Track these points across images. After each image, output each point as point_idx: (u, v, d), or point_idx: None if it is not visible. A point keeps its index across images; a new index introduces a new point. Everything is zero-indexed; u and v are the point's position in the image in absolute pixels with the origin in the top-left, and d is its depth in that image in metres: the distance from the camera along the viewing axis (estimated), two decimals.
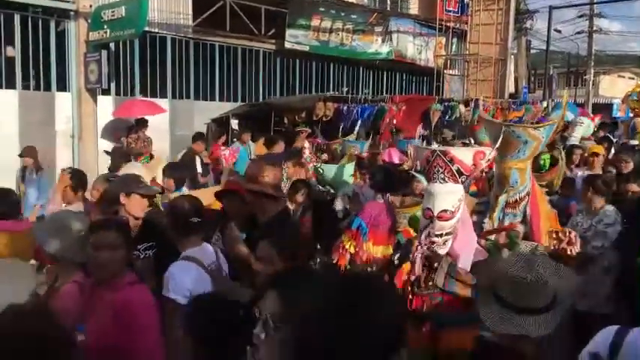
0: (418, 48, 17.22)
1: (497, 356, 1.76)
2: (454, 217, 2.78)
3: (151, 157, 8.87)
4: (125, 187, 3.42)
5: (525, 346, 1.79)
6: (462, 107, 14.56)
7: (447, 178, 2.76)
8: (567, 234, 3.08)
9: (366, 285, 1.25)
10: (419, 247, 2.81)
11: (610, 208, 4.58)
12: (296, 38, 13.96)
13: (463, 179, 2.80)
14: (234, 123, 11.90)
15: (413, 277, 2.83)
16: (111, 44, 10.47)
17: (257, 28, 13.22)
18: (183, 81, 12.24)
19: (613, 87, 35.29)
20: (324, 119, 11.50)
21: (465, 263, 2.83)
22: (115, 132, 10.90)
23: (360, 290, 1.19)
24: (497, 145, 3.02)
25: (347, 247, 3.17)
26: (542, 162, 7.08)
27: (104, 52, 9.94)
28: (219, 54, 12.85)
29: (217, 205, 4.11)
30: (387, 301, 1.19)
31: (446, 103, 13.28)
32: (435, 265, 2.87)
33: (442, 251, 2.80)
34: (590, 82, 30.69)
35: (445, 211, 2.74)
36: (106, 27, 9.76)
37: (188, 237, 2.98)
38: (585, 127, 9.39)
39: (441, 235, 2.78)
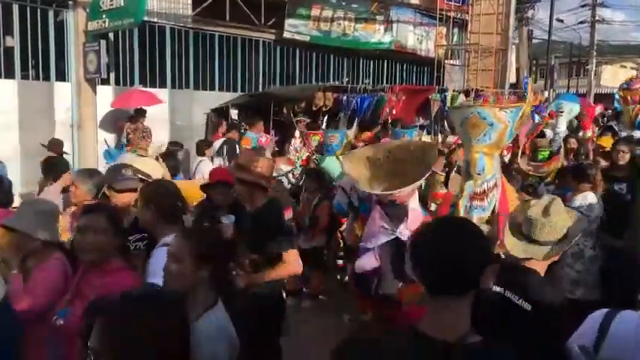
0: (419, 38, 17.14)
1: (513, 270, 2.36)
2: None
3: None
4: (109, 179, 3.47)
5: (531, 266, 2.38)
6: (462, 97, 14.56)
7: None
8: None
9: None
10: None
11: (590, 194, 4.66)
12: (296, 28, 13.91)
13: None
14: (234, 113, 11.92)
15: None
16: (110, 34, 10.45)
17: (257, 18, 13.17)
18: (182, 71, 12.22)
19: (615, 77, 35.02)
20: (323, 109, 11.49)
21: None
22: (114, 122, 10.92)
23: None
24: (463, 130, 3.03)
25: (357, 232, 3.28)
26: (541, 157, 7.11)
27: (103, 42, 9.91)
28: (218, 44, 12.82)
29: (196, 197, 4.12)
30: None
31: (445, 93, 13.24)
32: None
33: None
34: (592, 73, 30.54)
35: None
36: (104, 17, 9.72)
37: (173, 222, 2.85)
38: (566, 114, 9.35)
39: None
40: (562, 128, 9.13)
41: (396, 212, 3.32)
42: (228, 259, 2.27)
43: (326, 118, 8.40)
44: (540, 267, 2.36)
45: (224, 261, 2.24)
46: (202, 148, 8.42)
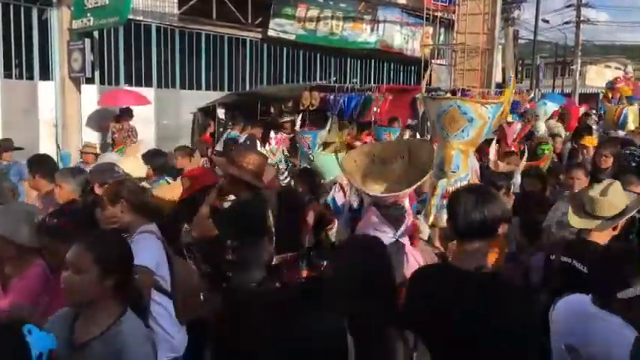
0: (405, 37, 17.18)
1: (578, 244, 2.85)
2: None
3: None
4: (100, 177, 3.40)
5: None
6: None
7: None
8: None
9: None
10: None
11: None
12: (281, 27, 13.88)
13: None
14: (221, 112, 11.85)
15: None
16: (95, 32, 10.34)
17: (243, 17, 13.12)
18: (168, 70, 12.14)
19: (600, 77, 35.41)
20: (310, 108, 11.47)
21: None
22: (99, 121, 10.82)
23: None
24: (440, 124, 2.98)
25: None
26: (539, 152, 7.14)
27: (87, 41, 9.81)
28: (205, 43, 12.75)
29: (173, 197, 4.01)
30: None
31: (432, 93, 13.29)
32: None
33: None
34: (577, 73, 30.82)
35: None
36: (89, 15, 9.63)
37: (145, 214, 2.92)
38: (542, 116, 9.49)
39: None
40: (541, 131, 9.25)
41: (395, 214, 3.21)
42: (132, 266, 2.14)
43: (300, 117, 8.25)
44: (602, 240, 2.76)
45: (130, 270, 2.13)
46: (204, 148, 8.31)
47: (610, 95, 14.22)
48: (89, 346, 1.97)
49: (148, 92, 11.44)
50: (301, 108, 11.55)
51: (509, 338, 1.84)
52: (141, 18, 11.36)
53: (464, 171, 3.05)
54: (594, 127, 10.01)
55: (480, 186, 2.70)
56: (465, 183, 3.04)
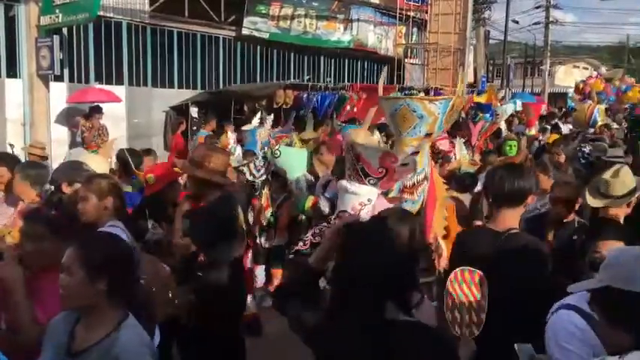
0: (379, 37, 17.29)
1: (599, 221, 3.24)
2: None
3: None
4: (68, 176, 3.33)
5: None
6: (422, 95, 14.75)
7: (352, 176, 2.61)
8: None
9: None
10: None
11: None
12: (255, 25, 13.82)
13: (371, 181, 2.61)
14: (194, 111, 11.77)
15: None
16: (64, 29, 10.14)
17: (216, 15, 13.03)
18: (140, 67, 11.98)
19: (568, 77, 36.16)
20: (284, 107, 11.47)
21: None
22: (68, 119, 10.63)
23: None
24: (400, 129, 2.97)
25: None
26: (508, 148, 7.27)
27: (56, 37, 9.61)
28: (177, 40, 12.62)
29: None
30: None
31: (406, 92, 13.39)
32: None
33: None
34: (547, 72, 31.46)
35: (344, 211, 2.61)
36: (57, 11, 9.43)
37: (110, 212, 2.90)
38: (502, 115, 9.73)
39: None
40: (502, 128, 9.51)
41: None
42: (129, 270, 2.06)
43: (258, 114, 8.22)
44: (619, 215, 3.16)
45: (124, 273, 2.03)
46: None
47: (581, 87, 14.65)
48: (86, 353, 1.91)
49: (119, 90, 11.28)
50: (275, 106, 11.55)
51: (524, 279, 2.29)
52: (111, 15, 11.19)
53: (420, 166, 3.09)
54: (561, 125, 10.26)
55: (514, 162, 3.26)
56: (421, 177, 3.09)
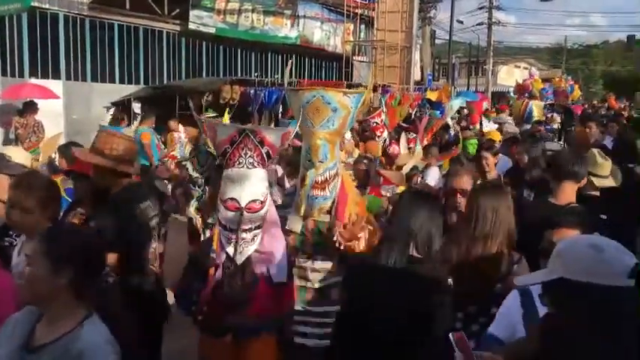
0: (326, 34, 17.28)
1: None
2: (264, 207, 2.50)
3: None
4: None
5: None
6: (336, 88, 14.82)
7: (256, 163, 2.45)
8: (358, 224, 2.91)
9: None
10: (225, 245, 2.50)
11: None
12: (201, 19, 13.52)
13: (269, 163, 2.54)
14: (137, 107, 11.38)
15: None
16: None
17: (160, 8, 12.67)
18: (78, 61, 11.49)
19: (510, 76, 37.31)
20: (231, 103, 11.26)
21: (278, 260, 2.56)
22: (1, 116, 10.06)
23: None
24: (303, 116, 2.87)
25: None
26: (470, 147, 7.33)
27: None
28: (118, 34, 12.18)
29: None
30: None
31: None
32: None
33: (251, 248, 2.49)
34: (490, 72, 32.38)
35: (255, 201, 2.44)
36: None
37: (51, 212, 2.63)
38: (449, 111, 9.91)
39: (250, 230, 2.47)
40: (452, 126, 9.67)
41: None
42: (93, 264, 1.94)
43: (230, 111, 8.08)
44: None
45: (89, 267, 1.93)
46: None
47: (521, 86, 15.16)
48: (44, 350, 1.82)
49: (56, 85, 10.77)
50: (222, 102, 11.32)
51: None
52: (47, 6, 10.69)
53: (331, 160, 2.99)
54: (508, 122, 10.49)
55: (579, 151, 3.99)
56: (333, 172, 3.00)
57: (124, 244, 2.82)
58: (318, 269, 2.95)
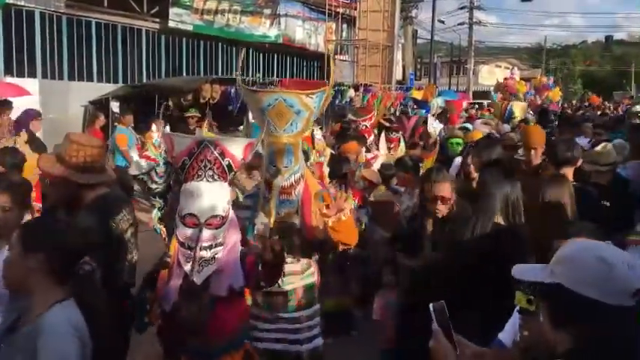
0: (308, 32, 17.22)
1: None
2: (225, 223, 2.36)
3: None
4: None
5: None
6: (351, 91, 14.87)
7: (216, 176, 2.31)
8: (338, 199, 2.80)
9: None
10: (182, 264, 2.34)
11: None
12: (180, 17, 13.36)
13: (231, 176, 2.40)
14: (115, 106, 11.18)
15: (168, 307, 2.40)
16: None
17: (139, 6, 12.49)
18: (55, 60, 11.26)
19: (492, 76, 37.62)
20: (211, 102, 11.14)
21: (235, 277, 2.42)
22: None
23: None
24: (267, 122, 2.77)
25: None
26: (456, 145, 7.21)
27: None
28: (95, 31, 11.97)
29: None
30: None
31: (335, 88, 13.41)
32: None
33: (211, 268, 2.33)
34: (471, 71, 32.63)
35: (215, 216, 2.30)
36: None
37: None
38: (433, 108, 9.90)
39: (210, 248, 2.32)
40: (435, 126, 9.60)
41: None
42: (68, 251, 1.94)
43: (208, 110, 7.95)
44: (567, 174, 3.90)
45: (62, 253, 1.93)
46: None
47: (503, 86, 15.28)
48: (18, 333, 1.92)
49: (32, 84, 10.54)
50: (202, 101, 11.20)
51: None
52: (22, 3, 10.46)
53: (296, 164, 2.91)
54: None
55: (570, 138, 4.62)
56: (298, 176, 2.93)
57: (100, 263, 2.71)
58: (286, 272, 2.82)
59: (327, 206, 2.77)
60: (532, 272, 1.53)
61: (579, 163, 3.96)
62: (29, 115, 8.55)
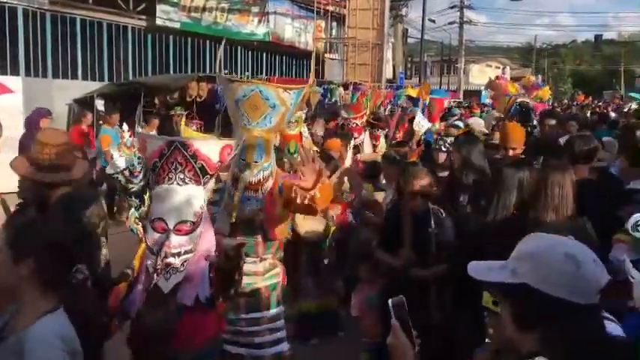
0: (297, 31, 17.12)
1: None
2: (196, 230, 2.23)
3: None
4: None
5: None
6: (341, 90, 14.79)
7: (187, 179, 2.20)
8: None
9: None
10: (150, 271, 2.22)
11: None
12: (167, 14, 13.23)
13: (206, 179, 2.27)
14: (100, 104, 11.03)
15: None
16: None
17: (125, 3, 12.34)
18: (38, 57, 11.10)
19: (482, 75, 37.69)
20: (197, 100, 11.03)
21: (202, 287, 2.27)
22: None
23: None
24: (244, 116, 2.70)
25: None
26: (439, 145, 7.14)
27: None
28: (80, 29, 11.82)
29: None
30: None
31: (325, 86, 13.34)
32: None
33: (179, 276, 2.20)
34: (462, 71, 32.66)
35: (185, 222, 2.18)
36: None
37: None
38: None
39: (178, 255, 2.18)
40: (424, 125, 9.52)
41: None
42: (61, 259, 1.84)
43: (195, 107, 7.84)
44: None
45: (55, 260, 1.83)
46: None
47: (495, 85, 15.21)
48: (4, 342, 1.81)
49: (14, 81, 10.39)
50: (188, 99, 11.09)
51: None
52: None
53: (267, 160, 2.82)
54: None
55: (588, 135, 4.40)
56: (267, 173, 2.83)
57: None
58: (246, 272, 2.67)
59: (301, 178, 2.57)
60: (490, 271, 1.36)
61: (595, 161, 3.86)
62: (39, 114, 8.42)
